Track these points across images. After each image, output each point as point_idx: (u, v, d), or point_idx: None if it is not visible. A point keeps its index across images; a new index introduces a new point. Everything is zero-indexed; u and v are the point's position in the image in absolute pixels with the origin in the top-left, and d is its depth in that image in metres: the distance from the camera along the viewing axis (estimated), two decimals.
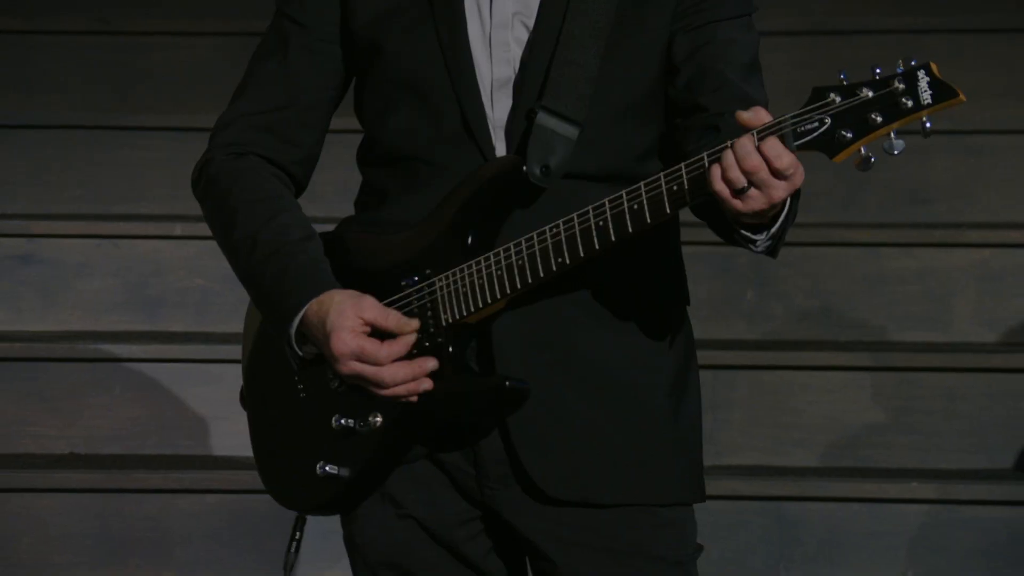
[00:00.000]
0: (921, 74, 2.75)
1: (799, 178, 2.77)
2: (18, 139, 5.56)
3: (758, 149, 2.74)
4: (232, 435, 4.93)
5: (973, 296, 5.16)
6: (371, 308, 2.96)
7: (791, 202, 2.85)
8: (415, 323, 2.98)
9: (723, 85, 2.98)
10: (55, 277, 5.24)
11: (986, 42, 5.63)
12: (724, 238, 2.94)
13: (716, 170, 2.77)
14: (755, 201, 2.77)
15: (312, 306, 2.98)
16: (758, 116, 2.77)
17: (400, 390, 2.97)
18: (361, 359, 2.96)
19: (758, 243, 2.88)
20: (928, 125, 2.76)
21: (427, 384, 2.97)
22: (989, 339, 5.15)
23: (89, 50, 5.83)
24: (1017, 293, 5.15)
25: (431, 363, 2.97)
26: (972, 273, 5.16)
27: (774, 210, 2.82)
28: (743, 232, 2.86)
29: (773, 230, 2.86)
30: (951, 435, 4.93)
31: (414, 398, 2.97)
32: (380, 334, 2.97)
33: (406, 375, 2.96)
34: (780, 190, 2.76)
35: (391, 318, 2.97)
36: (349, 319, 2.96)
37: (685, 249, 3.12)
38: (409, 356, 2.97)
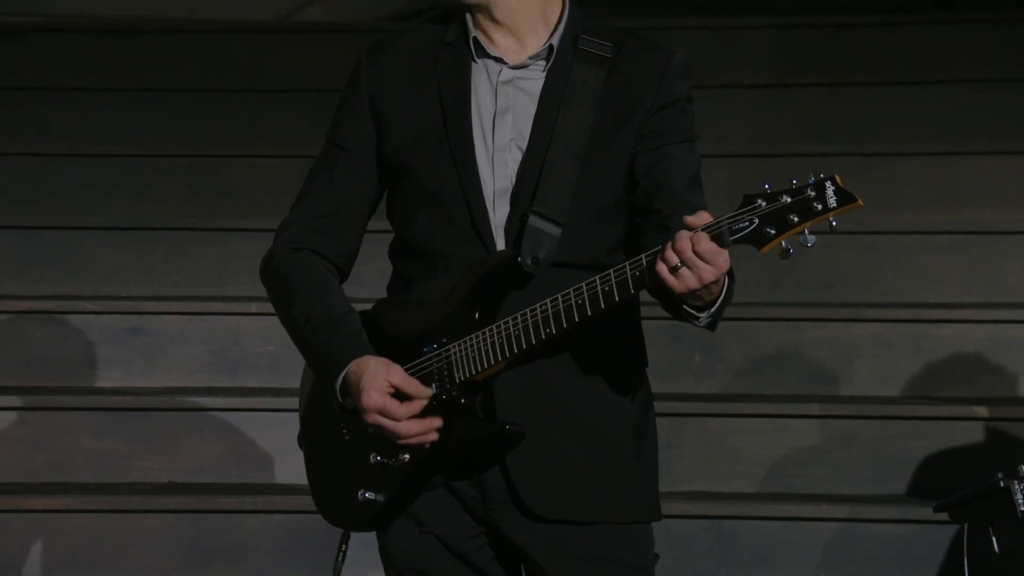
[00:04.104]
0: (828, 184, 2.74)
1: (723, 264, 2.75)
2: (132, 238, 5.55)
3: (690, 239, 2.73)
4: (294, 468, 4.87)
5: (871, 360, 5.13)
6: (397, 375, 2.94)
7: (727, 290, 2.83)
8: (429, 391, 2.95)
9: (672, 194, 2.97)
10: (157, 344, 5.21)
11: (879, 164, 5.63)
12: (674, 315, 2.91)
13: (660, 256, 2.77)
14: (687, 279, 2.75)
15: (352, 366, 2.96)
16: (700, 218, 2.76)
17: (412, 441, 2.95)
18: (383, 414, 2.93)
19: (700, 319, 2.85)
20: (834, 223, 2.74)
21: (433, 436, 2.94)
22: (883, 393, 5.11)
23: (187, 170, 5.83)
24: (905, 358, 5.12)
25: (436, 422, 2.94)
26: (870, 342, 5.13)
27: (710, 293, 2.79)
28: (688, 310, 2.83)
29: (712, 310, 2.84)
30: (854, 468, 4.89)
31: (427, 445, 2.95)
32: (401, 396, 2.94)
33: (417, 430, 2.94)
34: (707, 272, 2.74)
35: (411, 385, 2.94)
36: (379, 381, 2.93)
37: (646, 323, 3.10)
38: (428, 408, 2.96)
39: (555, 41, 3.02)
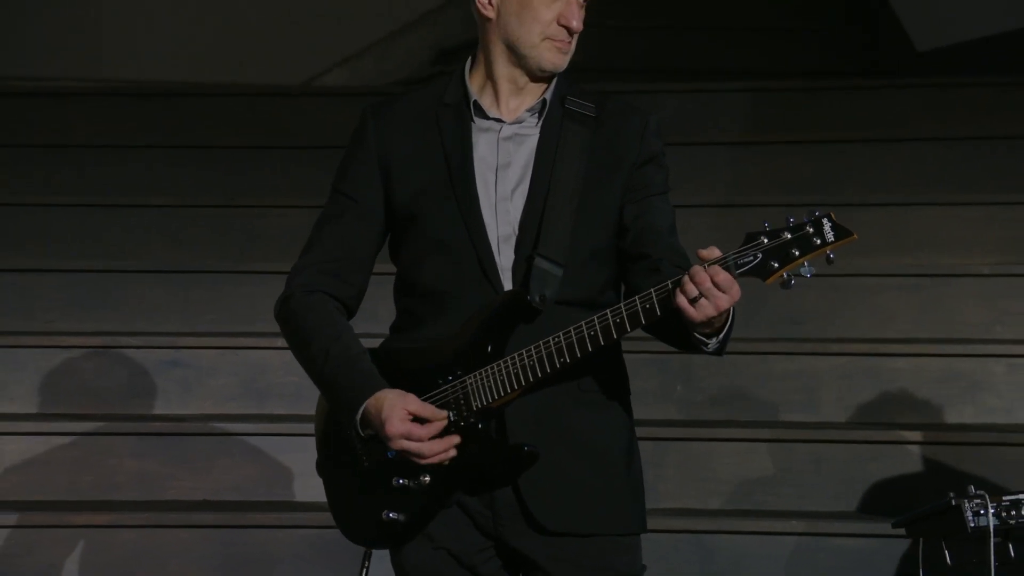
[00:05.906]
0: (825, 220, 2.76)
1: (736, 293, 2.77)
2: (170, 280, 5.54)
3: (706, 271, 2.74)
4: (316, 487, 4.79)
5: (834, 389, 5.12)
6: (413, 402, 2.94)
7: (732, 317, 2.83)
8: (444, 413, 2.95)
9: (659, 240, 2.99)
10: (193, 376, 5.20)
11: (841, 213, 5.58)
12: (677, 346, 2.91)
13: (679, 288, 2.77)
14: (706, 308, 2.76)
15: (371, 402, 2.95)
16: (711, 252, 2.78)
17: (435, 459, 2.94)
18: (409, 438, 2.92)
19: (709, 345, 2.86)
20: (832, 256, 2.76)
21: (452, 452, 2.94)
22: (846, 419, 5.11)
23: (220, 219, 5.82)
24: (865, 388, 5.11)
25: (455, 439, 2.94)
26: (834, 373, 5.13)
27: (720, 320, 2.80)
28: (698, 337, 2.83)
29: (721, 335, 2.85)
30: (820, 487, 4.88)
31: (447, 461, 2.94)
32: (419, 420, 2.94)
33: (439, 449, 2.93)
34: (723, 300, 2.75)
35: (426, 409, 2.94)
36: (398, 410, 2.93)
37: (636, 357, 3.12)
38: (443, 433, 2.96)
39: (548, 96, 3.04)
